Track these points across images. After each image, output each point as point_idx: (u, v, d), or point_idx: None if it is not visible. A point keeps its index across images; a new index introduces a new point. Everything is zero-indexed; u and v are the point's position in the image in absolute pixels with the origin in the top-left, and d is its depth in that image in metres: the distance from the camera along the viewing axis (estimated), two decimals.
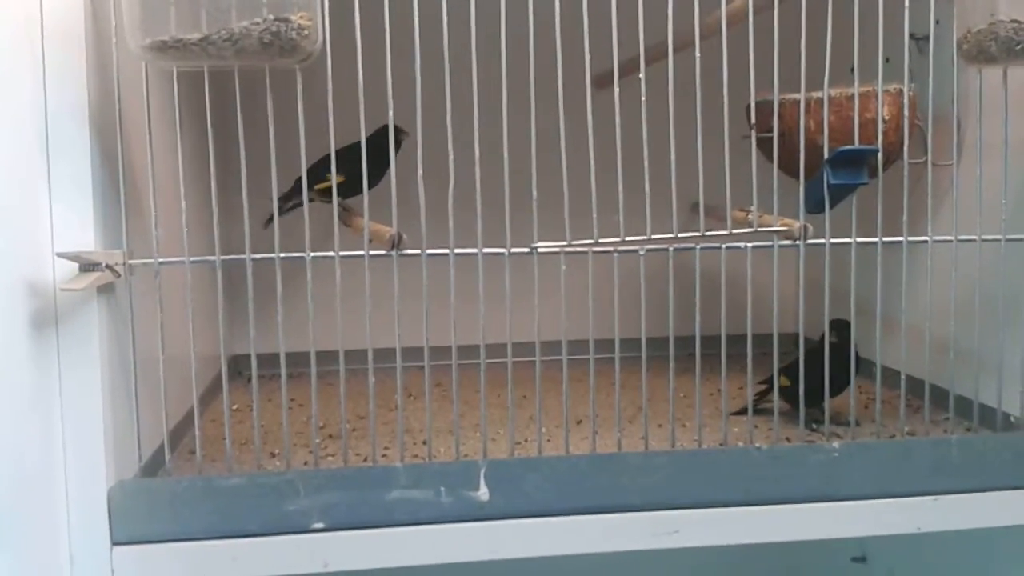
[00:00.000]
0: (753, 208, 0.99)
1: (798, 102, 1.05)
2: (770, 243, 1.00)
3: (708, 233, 0.98)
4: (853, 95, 1.04)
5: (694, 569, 1.53)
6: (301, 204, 1.00)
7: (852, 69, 1.00)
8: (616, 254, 0.97)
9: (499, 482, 0.93)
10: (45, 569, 0.85)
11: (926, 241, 1.02)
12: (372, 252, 0.94)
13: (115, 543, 0.89)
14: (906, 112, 1.06)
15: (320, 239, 0.94)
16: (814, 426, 1.12)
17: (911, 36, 1.00)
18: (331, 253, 0.93)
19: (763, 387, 1.15)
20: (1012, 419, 1.05)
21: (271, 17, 0.84)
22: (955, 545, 1.26)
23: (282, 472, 0.96)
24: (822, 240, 1.00)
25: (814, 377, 1.03)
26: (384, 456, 1.05)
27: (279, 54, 0.86)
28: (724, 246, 0.99)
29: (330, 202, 0.94)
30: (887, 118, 1.09)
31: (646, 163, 0.94)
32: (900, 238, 1.01)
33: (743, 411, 1.09)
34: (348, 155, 0.95)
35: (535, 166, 0.93)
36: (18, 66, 0.82)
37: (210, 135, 0.91)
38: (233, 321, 1.32)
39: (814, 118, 1.08)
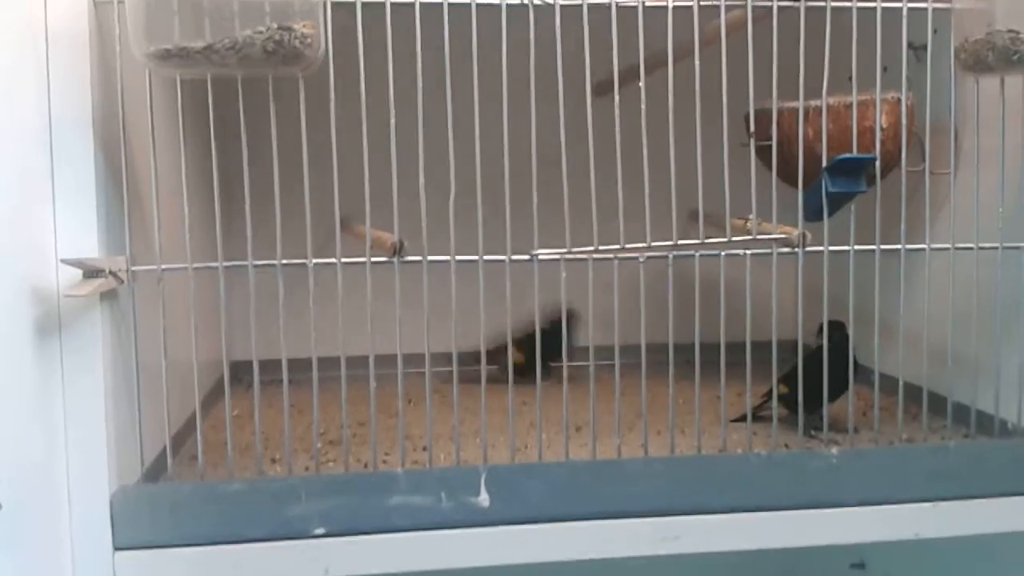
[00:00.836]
0: (752, 216, 0.99)
1: (797, 110, 1.06)
2: (769, 251, 1.00)
3: (707, 241, 0.98)
4: (851, 104, 1.05)
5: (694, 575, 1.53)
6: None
7: (850, 78, 1.01)
8: (616, 261, 0.98)
9: (499, 488, 0.94)
10: (48, 574, 0.86)
11: (924, 249, 1.02)
12: (374, 259, 0.94)
13: (117, 548, 0.89)
14: (904, 121, 1.06)
15: (321, 246, 0.95)
16: (813, 433, 1.12)
17: (909, 45, 1.01)
18: (333, 260, 0.93)
19: (764, 399, 1.16)
20: (1010, 425, 1.05)
21: (274, 26, 0.85)
22: (953, 551, 1.26)
23: (283, 478, 0.96)
24: (821, 248, 1.00)
25: (812, 382, 1.03)
26: (385, 462, 1.05)
27: (282, 62, 0.86)
28: (723, 254, 0.99)
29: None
30: (885, 127, 1.10)
31: (646, 171, 0.95)
32: (898, 246, 1.01)
33: (742, 418, 1.10)
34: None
35: (535, 174, 0.93)
36: (23, 73, 0.83)
37: (213, 142, 0.92)
38: (234, 327, 1.32)
39: (813, 126, 1.08)
